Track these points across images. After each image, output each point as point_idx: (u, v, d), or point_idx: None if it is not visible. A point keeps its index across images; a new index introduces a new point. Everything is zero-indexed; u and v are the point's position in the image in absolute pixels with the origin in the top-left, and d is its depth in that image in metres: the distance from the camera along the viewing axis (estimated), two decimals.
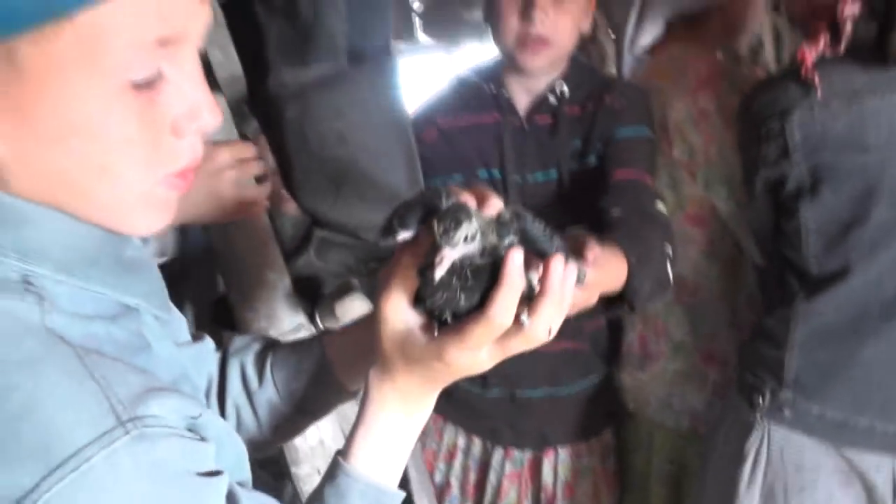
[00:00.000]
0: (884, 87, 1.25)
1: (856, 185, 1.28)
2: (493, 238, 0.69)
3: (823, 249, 1.36)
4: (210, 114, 0.64)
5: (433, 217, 0.69)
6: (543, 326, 0.70)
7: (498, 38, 1.52)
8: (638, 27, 1.75)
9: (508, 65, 1.54)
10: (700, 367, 1.68)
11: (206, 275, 1.59)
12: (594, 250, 1.06)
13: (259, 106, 1.18)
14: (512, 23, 1.46)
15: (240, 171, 1.09)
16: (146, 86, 0.60)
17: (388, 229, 0.73)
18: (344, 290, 1.10)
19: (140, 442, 0.54)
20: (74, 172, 0.60)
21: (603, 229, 1.26)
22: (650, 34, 1.74)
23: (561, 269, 0.70)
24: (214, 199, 1.06)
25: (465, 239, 0.67)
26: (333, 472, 0.76)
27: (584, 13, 1.51)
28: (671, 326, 1.67)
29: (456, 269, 0.68)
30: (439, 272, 0.67)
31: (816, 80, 1.27)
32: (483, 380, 1.61)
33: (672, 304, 1.66)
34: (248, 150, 1.12)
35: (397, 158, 1.19)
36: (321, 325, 1.26)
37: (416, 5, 6.08)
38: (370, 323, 0.77)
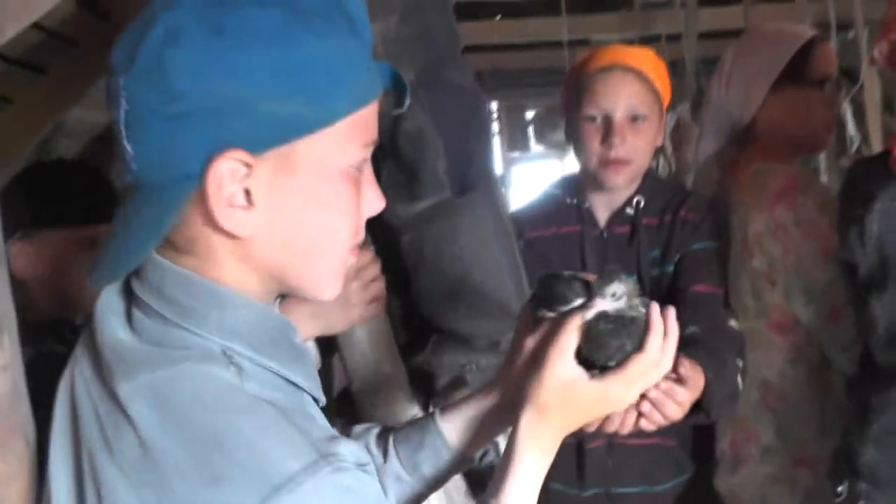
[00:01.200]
0: None
1: None
2: (636, 300, 0.89)
3: (888, 344, 1.37)
4: (378, 200, 0.82)
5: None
6: (668, 358, 0.90)
7: (580, 158, 1.67)
8: (700, 139, 1.91)
9: (589, 181, 1.69)
10: (790, 471, 1.71)
11: (325, 370, 1.73)
12: (685, 365, 1.18)
13: (375, 231, 1.29)
14: (593, 146, 1.60)
15: (362, 278, 1.20)
16: (358, 173, 0.78)
17: (561, 299, 0.91)
18: (456, 385, 1.21)
19: (337, 472, 0.67)
20: (292, 257, 0.76)
21: (681, 345, 1.39)
22: (712, 145, 1.88)
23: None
24: (344, 309, 1.17)
25: (614, 295, 0.87)
26: None
27: (658, 131, 1.65)
28: (761, 431, 1.72)
29: (616, 322, 0.87)
30: (590, 314, 0.87)
31: None
32: (581, 480, 1.69)
33: (761, 409, 1.72)
34: (366, 257, 1.22)
35: (505, 273, 1.33)
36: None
37: (529, 116, 6.41)
38: (488, 393, 0.97)
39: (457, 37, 1.40)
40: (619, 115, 1.58)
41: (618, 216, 1.67)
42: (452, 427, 0.99)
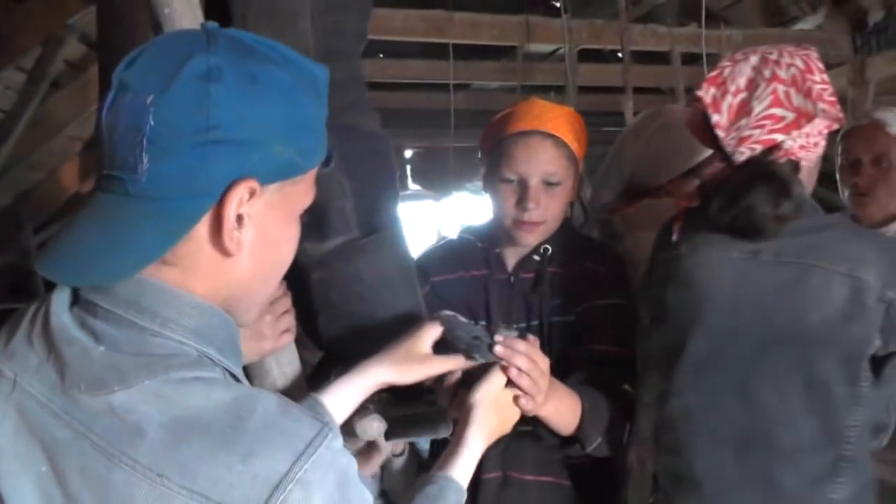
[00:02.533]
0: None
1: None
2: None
3: None
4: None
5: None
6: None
7: (496, 215, 1.69)
8: (596, 194, 2.01)
9: (502, 233, 1.70)
10: None
11: None
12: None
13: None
14: (508, 206, 1.62)
15: (273, 311, 1.21)
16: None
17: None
18: (362, 412, 1.23)
19: (336, 436, 0.78)
20: (253, 280, 0.85)
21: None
22: (605, 199, 1.98)
23: None
24: (256, 340, 1.18)
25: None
26: (433, 478, 1.08)
27: (572, 191, 1.69)
28: None
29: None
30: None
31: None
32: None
33: None
34: (278, 290, 1.22)
35: (408, 310, 1.35)
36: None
37: (408, 156, 6.52)
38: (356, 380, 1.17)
39: (364, 82, 1.43)
40: (535, 180, 1.60)
41: (525, 262, 1.69)
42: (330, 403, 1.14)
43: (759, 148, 1.35)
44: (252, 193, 0.79)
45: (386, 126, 1.45)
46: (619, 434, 1.54)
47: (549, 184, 1.61)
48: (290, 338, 1.25)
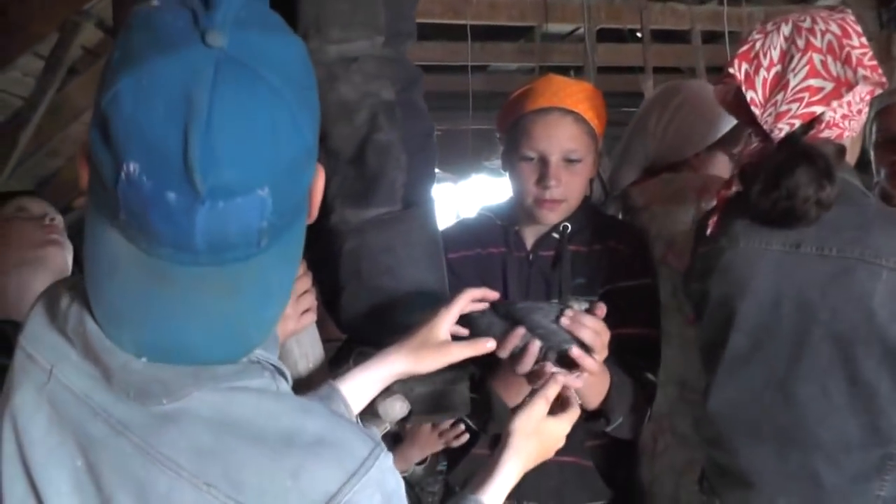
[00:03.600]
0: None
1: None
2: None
3: None
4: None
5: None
6: None
7: (516, 194, 1.67)
8: (618, 172, 1.96)
9: (523, 212, 1.68)
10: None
11: None
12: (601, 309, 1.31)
13: (314, 237, 1.34)
14: (528, 185, 1.60)
15: (294, 291, 1.19)
16: None
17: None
18: (385, 392, 1.23)
19: (387, 455, 0.77)
20: None
21: None
22: (628, 178, 1.93)
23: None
24: (279, 322, 1.19)
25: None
26: (464, 500, 1.04)
27: (592, 168, 1.67)
28: (678, 421, 1.75)
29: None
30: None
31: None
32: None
33: (678, 402, 1.75)
34: (298, 270, 1.25)
35: (433, 289, 1.34)
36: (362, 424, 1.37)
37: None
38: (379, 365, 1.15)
39: (418, 67, 1.46)
40: (555, 158, 1.58)
41: (544, 240, 1.67)
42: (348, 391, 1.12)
43: (798, 123, 1.31)
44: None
45: None
46: (640, 418, 1.54)
47: (569, 161, 1.59)
48: (311, 318, 1.24)
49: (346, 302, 1.32)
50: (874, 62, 1.30)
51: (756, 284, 1.32)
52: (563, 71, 4.30)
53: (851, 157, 1.40)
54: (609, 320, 1.50)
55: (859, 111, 1.32)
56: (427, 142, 1.40)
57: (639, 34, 4.66)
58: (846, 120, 1.30)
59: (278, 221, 0.71)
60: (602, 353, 1.29)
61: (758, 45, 1.33)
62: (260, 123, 0.68)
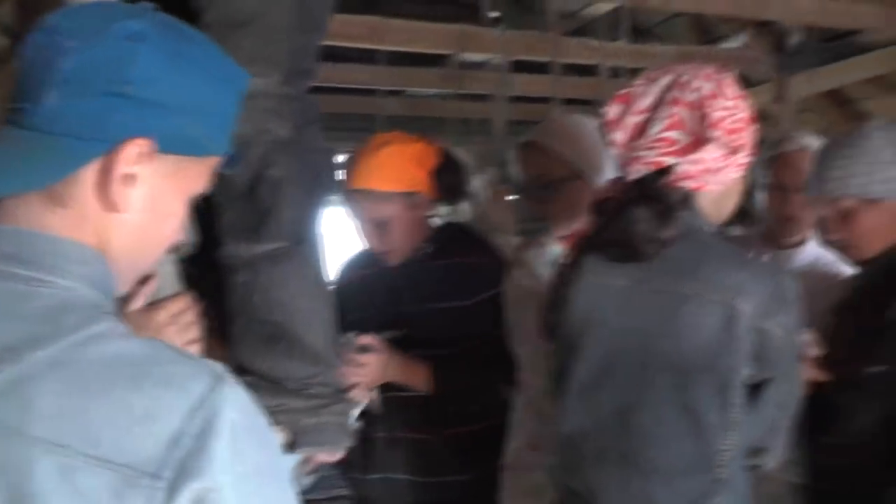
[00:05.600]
0: None
1: None
2: None
3: None
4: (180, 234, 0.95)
5: None
6: None
7: None
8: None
9: None
10: None
11: None
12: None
13: (203, 269, 1.34)
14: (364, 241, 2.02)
15: (179, 322, 1.23)
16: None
17: None
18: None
19: (230, 380, 0.81)
20: (134, 245, 0.87)
21: None
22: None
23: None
24: None
25: None
26: None
27: (416, 212, 1.98)
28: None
29: None
30: None
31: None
32: (366, 468, 2.03)
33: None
34: (183, 303, 1.26)
35: (322, 323, 1.38)
36: None
37: (340, 160, 6.51)
38: None
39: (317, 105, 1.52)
40: (367, 225, 1.97)
41: (406, 261, 2.00)
42: None
43: (649, 169, 1.37)
44: (146, 154, 0.82)
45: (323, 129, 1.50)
46: (482, 405, 1.96)
47: (380, 223, 1.94)
48: (196, 349, 1.25)
49: (236, 334, 1.34)
50: (736, 126, 1.37)
51: (601, 317, 1.40)
52: (479, 98, 4.38)
53: (725, 208, 1.47)
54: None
55: (719, 169, 1.38)
56: (321, 179, 1.45)
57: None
58: (707, 174, 1.37)
59: (65, 97, 0.80)
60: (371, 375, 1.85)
61: (637, 90, 1.41)
62: (113, 11, 0.84)
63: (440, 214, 2.12)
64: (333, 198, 2.04)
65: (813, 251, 2.28)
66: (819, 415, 1.92)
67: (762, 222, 2.38)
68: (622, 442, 1.38)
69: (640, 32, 5.31)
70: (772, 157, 2.33)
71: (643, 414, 1.36)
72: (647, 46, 4.42)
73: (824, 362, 1.89)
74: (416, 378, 1.93)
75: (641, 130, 1.39)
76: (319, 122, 1.47)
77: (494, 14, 3.96)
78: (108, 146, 0.81)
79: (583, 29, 4.35)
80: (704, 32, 5.12)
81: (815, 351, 1.66)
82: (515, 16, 4.27)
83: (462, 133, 4.46)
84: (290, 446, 1.30)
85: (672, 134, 1.36)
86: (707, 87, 1.38)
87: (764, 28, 4.69)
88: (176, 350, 0.84)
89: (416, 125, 5.67)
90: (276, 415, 1.24)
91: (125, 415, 0.73)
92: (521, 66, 4.18)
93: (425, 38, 3.85)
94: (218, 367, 0.82)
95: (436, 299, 1.97)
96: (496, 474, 1.94)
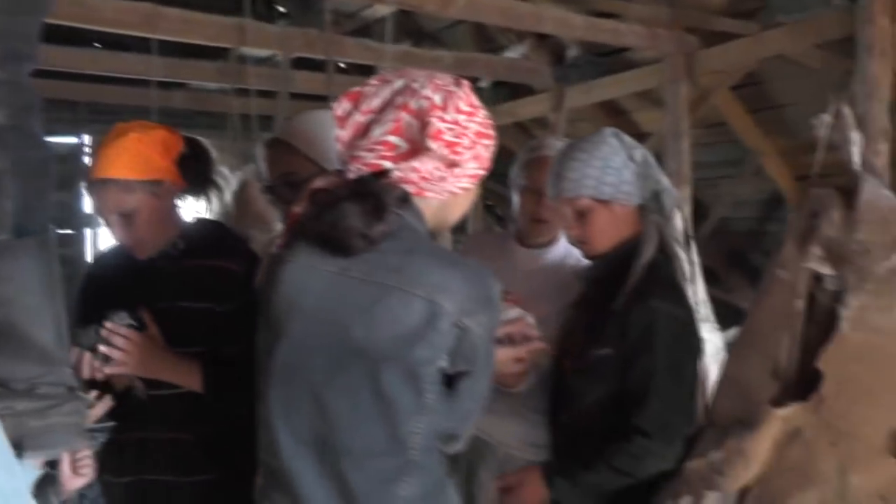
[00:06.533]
0: None
1: None
2: None
3: None
4: None
5: None
6: None
7: None
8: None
9: None
10: None
11: None
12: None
13: None
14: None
15: None
16: None
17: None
18: None
19: None
20: None
21: None
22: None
23: None
24: None
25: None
26: None
27: (159, 202, 1.92)
28: None
29: None
30: None
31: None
32: (119, 470, 1.99)
33: None
34: None
35: (52, 320, 1.31)
36: None
37: None
38: None
39: (37, 91, 1.42)
40: (112, 217, 1.91)
41: (160, 254, 1.98)
42: None
43: (367, 170, 1.41)
44: None
45: (102, 122, 1.45)
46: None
47: (126, 214, 1.88)
48: None
49: None
50: (457, 140, 1.41)
51: (304, 300, 1.42)
52: (261, 94, 4.32)
53: (450, 216, 1.52)
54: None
55: (441, 179, 1.42)
56: (42, 169, 1.38)
57: (342, 65, 4.81)
58: (427, 182, 1.42)
59: None
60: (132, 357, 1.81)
61: (368, 90, 1.43)
62: None
63: (192, 208, 2.07)
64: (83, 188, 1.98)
65: (563, 249, 2.44)
66: (558, 398, 2.07)
67: (515, 223, 2.52)
68: (317, 424, 1.40)
69: (425, 36, 5.45)
70: (528, 161, 2.45)
71: (336, 399, 1.39)
72: (425, 50, 4.53)
73: (563, 350, 2.06)
74: (183, 375, 1.89)
75: (365, 131, 1.41)
76: (37, 109, 1.39)
77: (281, 9, 3.94)
78: None
79: (368, 30, 4.42)
80: (487, 41, 5.31)
81: (536, 333, 1.78)
82: (299, 13, 4.26)
83: (245, 129, 4.38)
84: (17, 450, 1.24)
85: (392, 139, 1.39)
86: (436, 98, 1.40)
87: (543, 40, 4.94)
88: None
89: (200, 120, 5.54)
90: (1, 418, 1.18)
91: None
92: (301, 64, 4.18)
93: (201, 29, 3.73)
94: None
95: (189, 298, 1.93)
96: (250, 472, 1.93)
